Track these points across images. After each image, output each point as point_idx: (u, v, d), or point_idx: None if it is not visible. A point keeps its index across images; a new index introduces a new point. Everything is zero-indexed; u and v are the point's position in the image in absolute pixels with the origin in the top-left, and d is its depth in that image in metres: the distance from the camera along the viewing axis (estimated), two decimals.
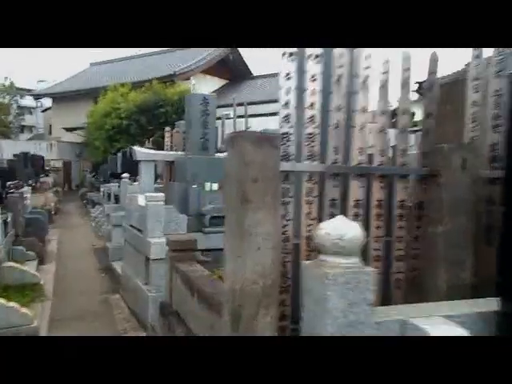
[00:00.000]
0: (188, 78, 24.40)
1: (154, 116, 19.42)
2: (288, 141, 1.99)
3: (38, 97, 32.86)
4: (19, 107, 37.24)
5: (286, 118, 1.96)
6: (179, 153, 5.61)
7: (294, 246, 2.04)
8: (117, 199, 10.48)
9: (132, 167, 11.96)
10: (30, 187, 12.10)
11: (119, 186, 10.74)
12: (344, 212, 2.02)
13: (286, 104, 1.96)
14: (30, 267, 6.39)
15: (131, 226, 5.08)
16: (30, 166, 16.18)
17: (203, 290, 2.59)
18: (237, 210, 1.74)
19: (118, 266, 6.33)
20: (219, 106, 13.35)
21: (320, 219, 1.97)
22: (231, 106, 13.72)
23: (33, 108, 41.64)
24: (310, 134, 2.03)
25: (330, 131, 2.11)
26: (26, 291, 5.21)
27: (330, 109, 2.11)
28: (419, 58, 2.48)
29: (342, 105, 2.12)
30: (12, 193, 7.73)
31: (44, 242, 7.89)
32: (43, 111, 36.76)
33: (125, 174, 8.41)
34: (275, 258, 1.75)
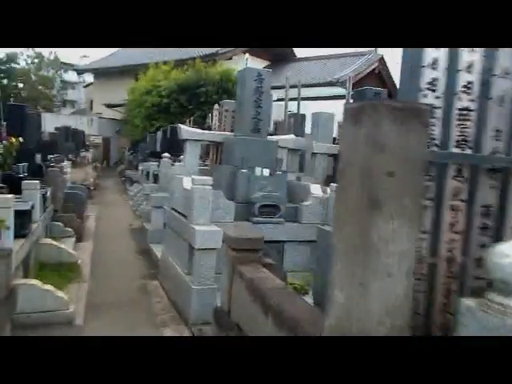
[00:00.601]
0: (230, 58, 23.88)
1: (195, 95, 19.09)
2: (432, 117, 1.44)
3: (80, 72, 33.30)
4: (62, 82, 37.99)
5: (432, 83, 1.42)
6: (227, 133, 5.15)
7: (430, 267, 1.51)
8: (156, 179, 10.25)
9: (172, 147, 11.71)
10: (70, 162, 12.07)
11: (159, 166, 10.52)
12: (501, 224, 1.47)
13: (434, 63, 1.41)
14: (68, 245, 6.19)
15: (173, 209, 4.71)
16: (71, 141, 16.27)
17: (283, 312, 2.02)
18: (359, 216, 1.23)
19: (156, 250, 6.03)
20: None
21: (467, 233, 1.44)
22: (273, 88, 13.17)
23: (75, 83, 42.41)
24: (464, 109, 1.47)
25: (491, 106, 1.54)
26: (63, 271, 4.97)
27: (495, 73, 1.56)
28: None
29: None
30: (52, 167, 7.56)
31: (82, 219, 7.71)
32: (85, 86, 37.34)
33: (165, 154, 8.08)
34: (409, 288, 1.24)
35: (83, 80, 39.32)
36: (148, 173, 11.64)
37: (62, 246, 5.28)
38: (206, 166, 5.26)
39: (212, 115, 10.13)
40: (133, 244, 7.05)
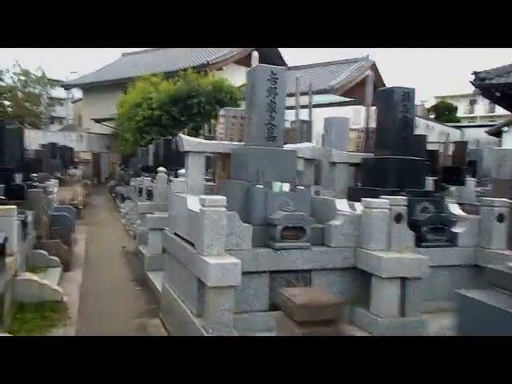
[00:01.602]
0: (221, 68, 23.45)
1: (187, 106, 18.55)
2: None
3: (68, 87, 32.63)
4: (50, 98, 37.20)
5: None
6: (235, 143, 4.44)
7: None
8: (150, 195, 9.51)
9: (166, 160, 10.99)
10: (57, 180, 11.27)
11: (152, 181, 9.79)
12: None
13: None
14: (53, 277, 5.40)
15: (176, 234, 3.97)
16: (58, 158, 15.46)
17: None
18: None
19: (155, 279, 5.26)
20: None
21: None
22: None
23: (63, 99, 41.72)
24: None
25: None
26: (46, 312, 4.18)
27: None
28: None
29: None
30: (35, 187, 6.77)
31: (70, 244, 6.90)
32: (73, 102, 36.63)
33: (161, 168, 7.34)
34: None
35: (72, 96, 38.62)
36: (141, 189, 10.88)
37: (45, 281, 4.48)
38: (208, 181, 4.53)
39: (215, 124, 9.46)
40: (128, 272, 6.26)
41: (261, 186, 3.72)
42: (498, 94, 15.70)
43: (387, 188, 4.32)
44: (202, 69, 21.44)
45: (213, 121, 13.02)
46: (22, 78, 31.94)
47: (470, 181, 8.39)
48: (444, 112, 31.04)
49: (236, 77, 20.80)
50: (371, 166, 4.64)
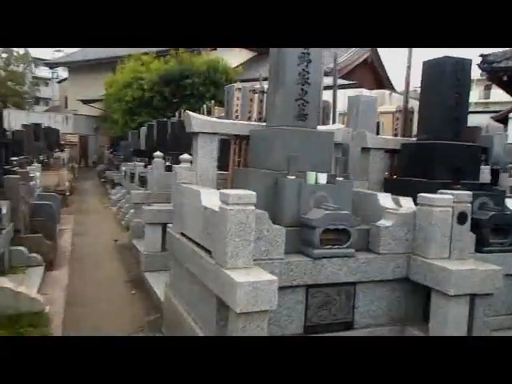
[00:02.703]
0: (215, 48, 22.36)
1: (179, 87, 17.57)
2: None
3: (53, 66, 31.12)
4: (34, 78, 35.65)
5: None
6: (255, 123, 3.66)
7: None
8: (143, 182, 8.70)
9: (162, 144, 10.10)
10: (40, 164, 10.35)
11: (145, 166, 8.97)
12: None
13: None
14: (33, 278, 4.64)
15: (184, 235, 3.22)
16: (42, 140, 14.43)
17: None
18: None
19: (154, 282, 4.52)
20: (243, 81, 11.43)
21: None
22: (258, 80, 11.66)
23: (49, 79, 40.14)
24: None
25: None
26: (22, 327, 3.43)
27: None
28: None
29: None
30: (13, 172, 5.91)
31: (54, 238, 6.11)
32: (59, 82, 35.11)
33: (158, 153, 6.52)
34: None
35: (57, 76, 37.08)
36: (133, 175, 10.05)
37: (21, 288, 3.71)
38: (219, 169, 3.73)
39: (212, 106, 8.58)
40: (121, 270, 5.49)
41: (293, 177, 2.96)
42: (505, 78, 15.09)
43: (436, 180, 3.59)
44: (195, 49, 20.40)
45: (208, 103, 12.20)
46: (4, 55, 30.42)
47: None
48: None
49: (230, 57, 19.83)
50: (414, 152, 3.90)
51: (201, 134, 3.46)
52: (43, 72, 37.69)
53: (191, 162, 5.64)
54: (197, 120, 3.42)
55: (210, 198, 2.82)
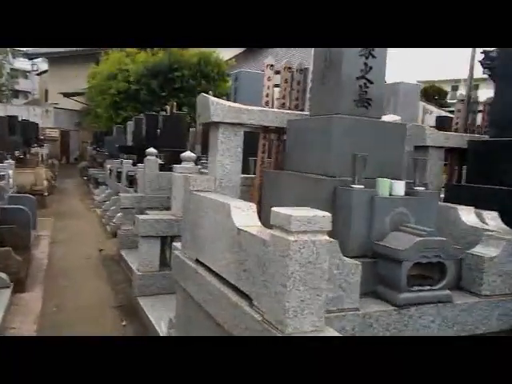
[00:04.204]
0: None
1: (168, 80, 16.54)
2: None
3: (33, 57, 29.53)
4: (12, 70, 34.05)
5: None
6: (293, 112, 2.78)
7: None
8: (131, 182, 7.77)
9: (151, 140, 9.11)
10: (14, 161, 9.25)
11: (134, 164, 8.01)
12: None
13: None
14: None
15: (201, 263, 2.33)
16: (18, 134, 13.25)
17: None
18: None
19: (151, 312, 3.59)
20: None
21: None
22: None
23: (28, 72, 38.53)
24: None
25: None
26: None
27: None
28: None
29: None
30: None
31: (27, 249, 5.13)
32: (38, 74, 33.57)
33: (151, 150, 5.57)
34: None
35: (37, 68, 35.49)
36: (119, 173, 9.07)
37: None
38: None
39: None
40: (108, 291, 4.53)
41: (361, 187, 2.09)
42: None
43: None
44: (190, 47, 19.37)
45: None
46: None
47: None
48: (434, 96, 29.97)
49: (222, 50, 18.88)
50: (487, 152, 3.08)
51: (222, 125, 2.55)
52: (22, 64, 36.11)
53: (195, 162, 4.76)
54: (217, 106, 2.51)
55: (247, 216, 1.94)
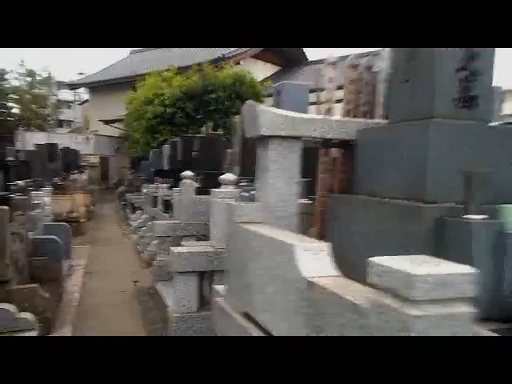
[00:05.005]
0: (238, 63, 21.33)
1: (203, 103, 16.43)
2: None
3: (74, 87, 30.78)
4: (57, 100, 35.63)
5: None
6: (364, 120, 2.22)
7: None
8: (167, 207, 7.42)
9: (187, 163, 8.79)
10: (53, 187, 9.16)
11: (170, 188, 7.68)
12: None
13: None
14: None
15: (249, 317, 1.76)
16: (59, 161, 13.41)
17: None
18: None
19: None
20: (270, 95, 10.14)
21: None
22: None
23: (71, 102, 40.23)
24: None
25: None
26: None
27: None
28: None
29: None
30: (6, 199, 4.61)
31: (58, 284, 4.76)
32: (80, 104, 34.85)
33: (187, 172, 5.15)
34: None
35: (79, 98, 37.03)
36: (155, 198, 8.78)
37: None
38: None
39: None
40: (141, 333, 4.03)
41: (482, 217, 1.48)
42: None
43: None
44: (217, 63, 19.35)
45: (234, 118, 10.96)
46: (28, 79, 30.30)
47: None
48: None
49: (255, 71, 18.69)
50: None
51: (273, 140, 2.02)
52: (65, 95, 37.83)
53: (237, 184, 4.25)
54: (267, 115, 1.98)
55: (318, 262, 1.37)
